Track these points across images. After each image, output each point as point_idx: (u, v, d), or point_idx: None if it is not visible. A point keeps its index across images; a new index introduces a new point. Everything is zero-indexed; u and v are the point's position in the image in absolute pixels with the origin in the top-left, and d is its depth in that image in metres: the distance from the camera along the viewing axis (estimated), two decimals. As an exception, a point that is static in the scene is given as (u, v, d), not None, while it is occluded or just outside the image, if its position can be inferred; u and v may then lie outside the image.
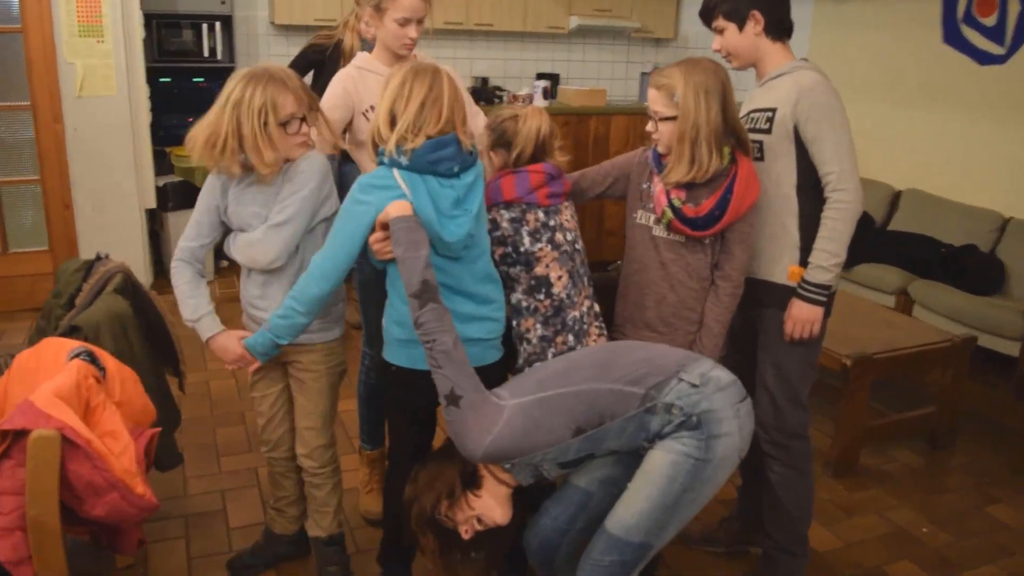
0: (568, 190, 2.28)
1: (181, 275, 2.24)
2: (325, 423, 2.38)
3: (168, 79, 5.71)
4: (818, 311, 2.28)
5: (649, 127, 2.24)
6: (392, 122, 1.96)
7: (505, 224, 2.19)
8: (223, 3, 5.75)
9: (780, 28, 2.32)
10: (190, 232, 2.25)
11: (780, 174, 2.30)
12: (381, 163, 1.99)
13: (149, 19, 5.61)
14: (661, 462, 1.79)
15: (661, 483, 1.78)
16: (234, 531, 2.77)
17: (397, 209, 1.91)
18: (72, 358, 1.96)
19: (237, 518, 2.85)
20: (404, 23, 2.41)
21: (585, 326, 2.22)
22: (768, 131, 2.30)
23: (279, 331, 2.10)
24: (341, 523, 2.52)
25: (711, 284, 2.29)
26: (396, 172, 1.95)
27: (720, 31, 2.35)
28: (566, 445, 1.82)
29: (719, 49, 2.38)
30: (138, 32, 4.68)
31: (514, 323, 2.19)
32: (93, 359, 1.99)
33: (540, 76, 6.68)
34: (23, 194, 4.67)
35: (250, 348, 2.15)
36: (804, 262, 2.29)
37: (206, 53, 5.85)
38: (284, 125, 2.09)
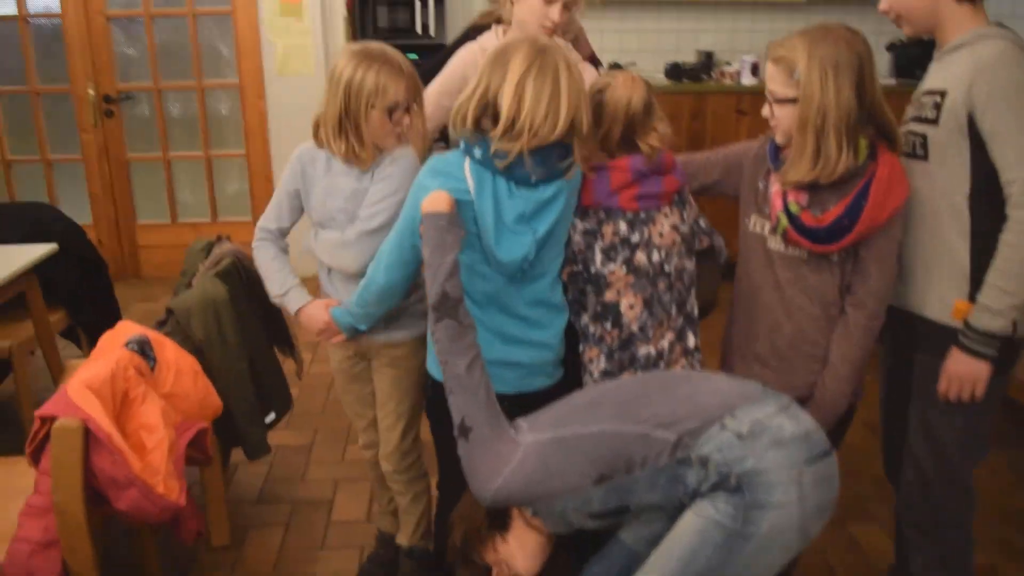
0: (674, 189, 1.88)
1: (265, 252, 2.16)
2: (407, 426, 2.23)
3: (383, 56, 5.83)
4: (982, 368, 1.76)
5: (765, 111, 1.83)
6: (496, 116, 1.68)
7: (577, 237, 1.85)
8: (433, -22, 5.77)
9: None
10: (270, 213, 2.17)
11: (948, 178, 1.80)
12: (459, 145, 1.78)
13: (365, -4, 5.75)
14: (688, 527, 1.44)
15: (682, 554, 1.44)
16: (334, 525, 2.72)
17: (431, 203, 1.67)
18: (125, 346, 1.96)
19: (342, 511, 2.80)
20: (551, 0, 2.16)
21: (663, 364, 1.86)
22: (935, 121, 1.80)
23: (357, 317, 1.99)
24: (427, 536, 2.37)
25: (840, 312, 1.84)
26: (467, 162, 1.72)
27: None
28: (587, 494, 1.52)
29: (886, 10, 1.87)
30: (339, 12, 4.77)
31: (580, 347, 1.88)
32: (143, 349, 1.97)
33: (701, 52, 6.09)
34: (231, 167, 4.96)
35: (336, 319, 2.03)
36: (975, 296, 1.78)
37: (419, 30, 5.92)
38: (390, 113, 1.95)
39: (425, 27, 5.93)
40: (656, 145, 1.80)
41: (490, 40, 2.37)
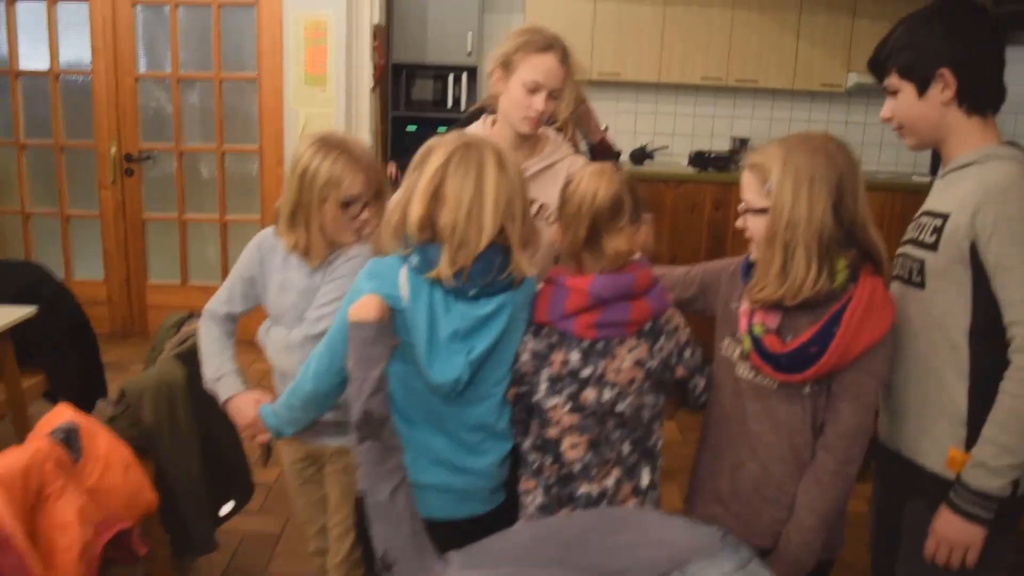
0: (645, 317, 1.65)
1: (207, 334, 2.04)
2: (358, 537, 2.07)
3: (415, 127, 5.84)
4: (975, 532, 1.55)
5: (739, 222, 1.69)
6: (424, 223, 1.54)
7: (526, 357, 1.66)
8: (469, 55, 5.78)
9: (981, 97, 1.64)
10: (221, 295, 2.06)
11: (946, 310, 1.61)
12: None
13: (399, 69, 5.80)
14: None
15: None
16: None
17: (358, 310, 1.52)
18: (49, 435, 1.84)
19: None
20: (534, 89, 2.05)
21: (607, 504, 1.67)
22: (934, 247, 1.62)
23: (282, 420, 1.82)
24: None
25: (812, 455, 1.65)
26: (404, 268, 1.58)
27: (893, 92, 1.69)
28: None
29: (888, 118, 1.72)
30: (365, 83, 4.77)
31: (520, 473, 1.71)
32: (69, 439, 1.85)
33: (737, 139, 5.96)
34: (246, 231, 4.93)
35: (262, 417, 1.87)
36: (973, 445, 1.57)
37: (450, 103, 5.92)
38: (345, 206, 1.85)
39: (457, 100, 5.94)
40: (623, 249, 1.62)
41: (475, 130, 2.26)
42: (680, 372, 1.73)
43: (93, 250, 4.78)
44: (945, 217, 1.61)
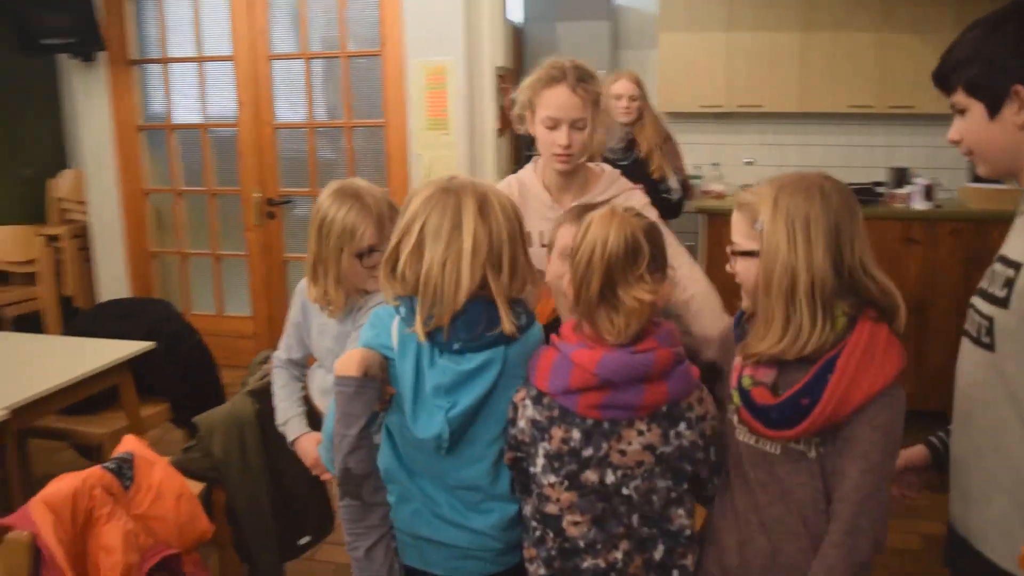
0: (661, 401, 1.47)
1: (277, 379, 2.20)
2: None
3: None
4: None
5: (728, 267, 1.59)
6: (402, 274, 1.51)
7: (523, 424, 1.52)
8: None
9: None
10: (282, 342, 2.18)
11: (1019, 379, 1.38)
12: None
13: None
14: None
15: None
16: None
17: (342, 365, 1.52)
18: (102, 465, 2.00)
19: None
20: (552, 126, 2.04)
21: None
22: (1004, 302, 1.39)
23: (327, 462, 1.88)
24: None
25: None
26: (397, 319, 1.56)
27: (961, 111, 1.46)
28: None
29: (956, 140, 1.48)
30: (488, 125, 4.87)
31: (523, 538, 1.62)
32: (120, 468, 2.00)
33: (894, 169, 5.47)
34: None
35: (322, 457, 1.93)
36: None
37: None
38: (360, 256, 1.90)
39: (593, 139, 5.94)
40: (646, 300, 1.45)
41: (527, 173, 2.26)
42: (700, 470, 1.58)
43: (241, 287, 5.14)
44: (1018, 267, 1.38)
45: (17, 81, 5.33)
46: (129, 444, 2.12)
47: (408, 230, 1.50)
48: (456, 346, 1.49)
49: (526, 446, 1.54)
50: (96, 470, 1.95)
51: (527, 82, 2.05)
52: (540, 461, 1.52)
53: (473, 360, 1.50)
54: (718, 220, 4.73)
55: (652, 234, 1.51)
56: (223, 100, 4.88)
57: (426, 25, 4.51)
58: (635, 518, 1.54)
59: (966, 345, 1.49)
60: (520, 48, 5.79)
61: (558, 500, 1.52)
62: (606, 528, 1.53)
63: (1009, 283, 1.38)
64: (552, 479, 1.51)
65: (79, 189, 5.26)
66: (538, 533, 1.57)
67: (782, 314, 1.44)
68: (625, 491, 1.51)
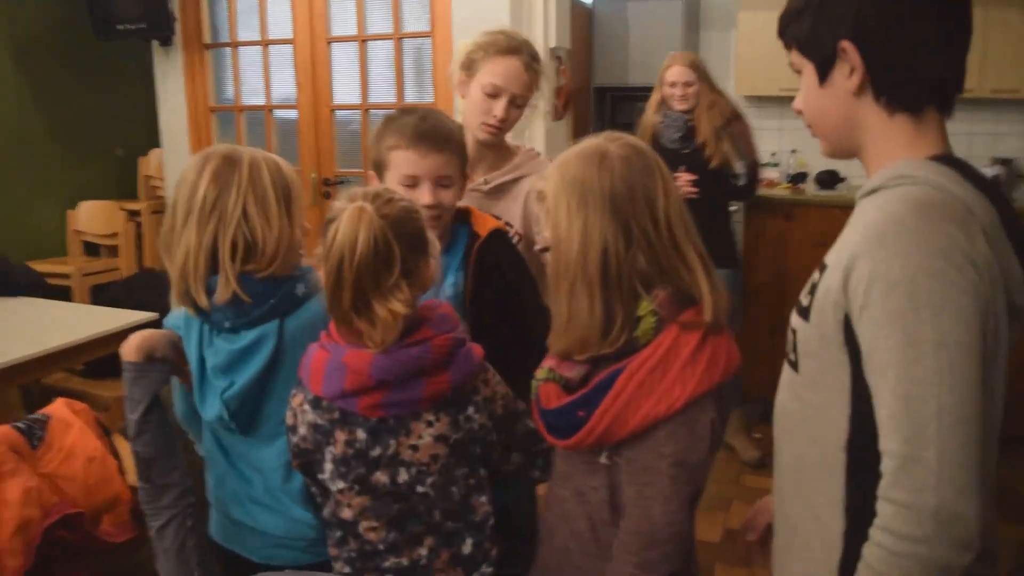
0: (444, 390, 1.40)
1: None
2: None
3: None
4: None
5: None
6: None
7: (304, 430, 1.47)
8: (672, 74, 5.59)
9: (909, 86, 1.11)
10: None
11: (820, 411, 1.17)
12: None
13: (602, 92, 5.78)
14: None
15: None
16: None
17: (125, 348, 1.56)
18: (13, 424, 2.14)
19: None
20: (493, 94, 1.98)
21: (423, 573, 1.51)
22: (805, 313, 1.19)
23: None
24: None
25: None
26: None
27: (797, 71, 1.25)
28: None
29: (799, 110, 1.26)
30: (540, 107, 4.80)
31: (326, 534, 1.60)
32: (31, 429, 2.13)
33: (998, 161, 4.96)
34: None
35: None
36: None
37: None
38: None
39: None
40: (401, 312, 1.36)
41: None
42: (491, 451, 1.53)
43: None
44: (824, 269, 1.17)
45: (112, 65, 5.73)
46: (54, 407, 2.26)
47: (167, 213, 1.55)
48: (227, 324, 1.50)
49: (311, 453, 1.50)
50: (4, 428, 2.09)
51: (477, 43, 2.00)
52: (328, 467, 1.48)
53: (245, 338, 1.51)
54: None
55: (407, 225, 1.40)
56: (285, 83, 5.05)
57: (472, 6, 4.50)
58: (436, 513, 1.51)
59: (785, 366, 1.29)
60: (589, 29, 5.68)
61: (350, 505, 1.49)
62: (405, 528, 1.50)
63: (813, 289, 1.18)
64: (341, 484, 1.47)
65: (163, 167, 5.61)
66: (339, 534, 1.55)
67: (565, 307, 1.35)
68: (420, 488, 1.46)
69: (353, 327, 1.41)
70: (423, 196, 1.71)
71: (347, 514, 1.50)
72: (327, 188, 5.12)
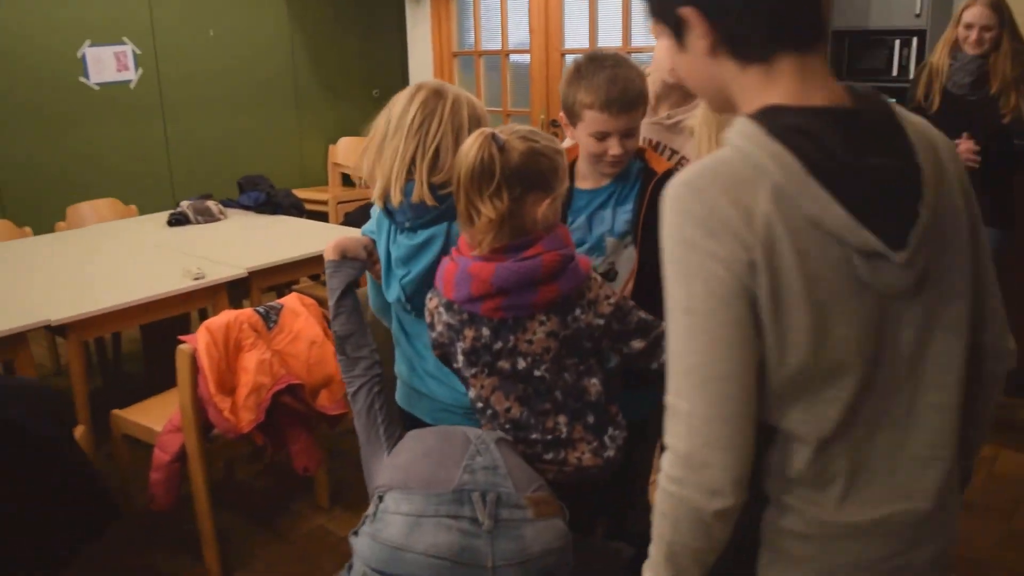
0: (552, 298, 1.60)
1: None
2: None
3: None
4: None
5: None
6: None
7: (440, 328, 1.73)
8: (918, 16, 5.26)
9: (755, 36, 1.06)
10: None
11: None
12: None
13: (840, 36, 5.58)
14: None
15: None
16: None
17: (327, 249, 1.91)
18: (255, 308, 2.61)
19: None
20: (601, 138, 1.95)
21: (564, 445, 1.74)
22: None
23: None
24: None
25: None
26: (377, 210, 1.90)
27: (658, 37, 1.27)
28: None
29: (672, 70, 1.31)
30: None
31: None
32: (267, 313, 2.60)
33: None
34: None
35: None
36: None
37: (896, 70, 5.46)
38: None
39: (904, 67, 5.44)
40: (492, 217, 1.59)
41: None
42: (600, 344, 1.72)
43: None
44: None
45: (371, 13, 6.33)
46: (287, 299, 2.72)
47: (375, 128, 1.83)
48: (407, 224, 1.79)
49: (446, 346, 1.76)
50: (248, 311, 2.57)
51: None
52: (460, 358, 1.74)
53: (421, 236, 1.80)
54: None
55: (527, 160, 1.60)
56: (521, 28, 5.36)
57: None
58: (557, 393, 1.74)
59: None
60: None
61: (483, 386, 1.74)
62: (535, 406, 1.74)
63: None
64: (473, 370, 1.73)
65: (412, 107, 6.16)
66: (489, 412, 1.79)
67: None
68: (537, 373, 1.70)
69: (469, 231, 1.67)
70: (613, 148, 1.89)
71: (483, 393, 1.75)
72: (554, 130, 5.40)
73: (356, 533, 1.58)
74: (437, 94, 1.79)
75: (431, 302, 1.76)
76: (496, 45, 5.51)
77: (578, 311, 1.67)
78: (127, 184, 5.25)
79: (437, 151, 1.75)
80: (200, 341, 2.44)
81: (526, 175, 1.61)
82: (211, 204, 4.14)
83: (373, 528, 1.54)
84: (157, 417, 2.72)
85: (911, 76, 5.33)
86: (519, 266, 1.61)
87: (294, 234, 3.93)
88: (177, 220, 4.02)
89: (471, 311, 1.66)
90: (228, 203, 4.31)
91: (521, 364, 1.68)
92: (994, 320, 1.19)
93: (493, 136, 1.61)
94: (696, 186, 1.02)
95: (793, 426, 1.05)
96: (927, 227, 1.01)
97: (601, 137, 1.88)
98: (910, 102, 3.59)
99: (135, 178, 5.41)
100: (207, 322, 2.50)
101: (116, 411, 2.81)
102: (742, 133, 1.03)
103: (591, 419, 1.75)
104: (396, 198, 1.77)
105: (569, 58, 5.28)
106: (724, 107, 1.16)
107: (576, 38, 5.19)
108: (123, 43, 5.26)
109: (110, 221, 4.29)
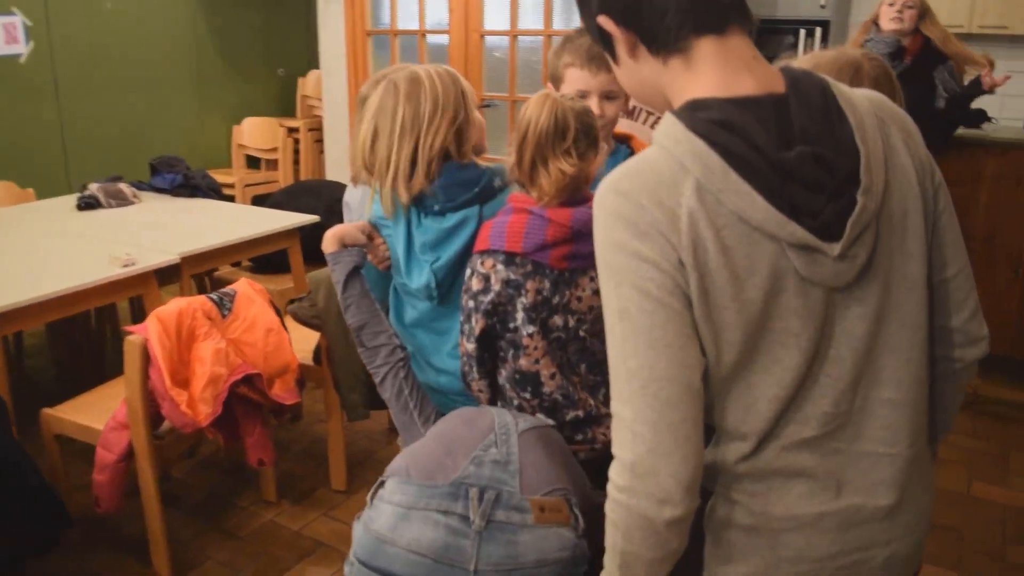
0: None
1: None
2: None
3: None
4: None
5: None
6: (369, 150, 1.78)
7: (497, 286, 1.69)
8: (823, 7, 5.47)
9: (662, 29, 1.02)
10: None
11: None
12: None
13: (748, 24, 5.72)
14: None
15: None
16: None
17: (325, 243, 1.83)
18: (208, 295, 2.47)
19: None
20: (583, 97, 1.99)
21: (591, 426, 1.76)
22: None
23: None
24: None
25: None
26: (371, 195, 1.83)
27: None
28: None
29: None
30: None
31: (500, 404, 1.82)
32: (221, 300, 2.46)
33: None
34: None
35: None
36: None
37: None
38: None
39: (809, 57, 5.66)
40: (568, 171, 1.63)
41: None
42: None
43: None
44: None
45: (278, -11, 6.10)
46: (238, 284, 2.58)
47: (363, 127, 1.78)
48: (436, 207, 1.74)
49: (503, 306, 1.72)
50: (201, 298, 2.43)
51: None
52: (520, 315, 1.71)
53: (451, 219, 1.75)
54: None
55: (585, 117, 1.67)
56: (439, 8, 5.26)
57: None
58: (583, 367, 1.74)
59: None
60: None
61: (536, 349, 1.72)
62: (566, 375, 1.74)
63: None
64: (532, 329, 1.70)
65: (320, 87, 5.96)
66: (516, 401, 1.76)
67: None
68: (580, 333, 1.73)
69: (533, 185, 1.68)
70: (591, 107, 1.89)
71: (528, 363, 1.72)
72: (481, 110, 5.33)
73: (359, 518, 1.50)
74: (414, 82, 1.75)
75: (485, 264, 1.71)
76: (413, 25, 5.39)
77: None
78: (16, 166, 4.87)
79: (443, 136, 1.73)
80: (151, 331, 2.29)
81: (587, 131, 1.67)
82: (123, 187, 3.89)
83: (367, 515, 1.47)
84: (93, 415, 2.54)
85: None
86: (591, 211, 1.63)
87: (221, 217, 3.74)
88: (88, 204, 3.75)
89: (537, 260, 1.67)
90: (140, 185, 4.06)
91: (570, 323, 1.71)
92: (964, 304, 1.14)
93: (556, 98, 1.64)
94: (622, 189, 1.00)
95: (733, 424, 1.04)
96: (866, 215, 0.98)
97: (582, 96, 1.92)
98: None
99: (25, 160, 5.04)
100: (157, 311, 2.34)
101: (47, 410, 2.60)
102: (665, 131, 1.01)
103: (603, 393, 1.77)
104: (403, 195, 1.74)
105: (489, 39, 5.23)
106: (667, 108, 1.10)
107: (497, 20, 5.14)
108: (12, 14, 4.87)
109: (8, 207, 3.97)
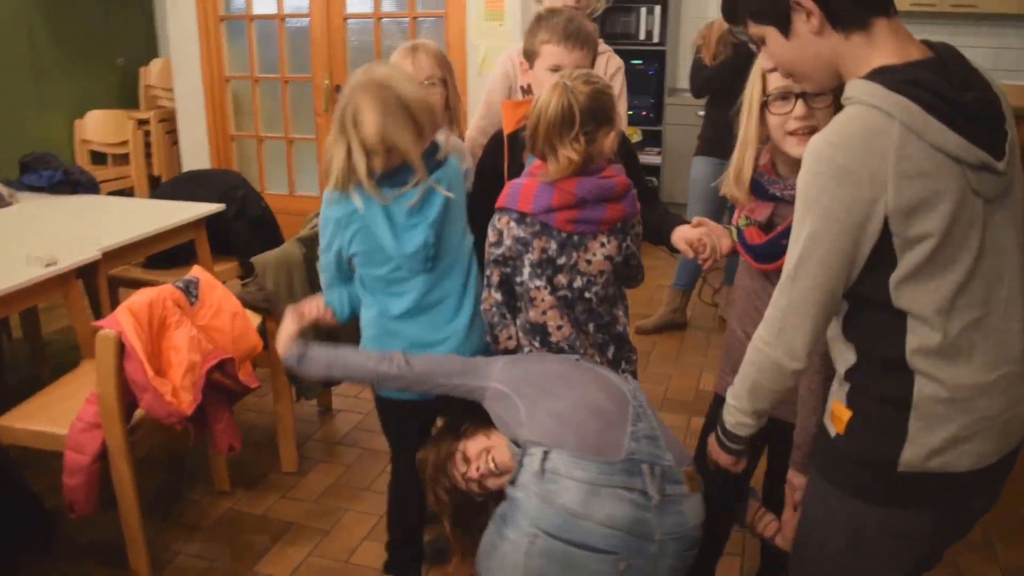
0: (618, 217, 1.86)
1: None
2: None
3: (608, 61, 6.08)
4: (723, 456, 1.64)
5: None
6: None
7: (509, 242, 1.89)
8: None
9: (851, 7, 1.28)
10: None
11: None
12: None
13: (591, 4, 6.02)
14: None
15: None
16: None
17: (282, 338, 2.04)
18: (174, 284, 2.43)
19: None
20: (556, 71, 2.11)
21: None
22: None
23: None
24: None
25: None
26: (353, 191, 1.90)
27: (760, 41, 1.42)
28: None
29: (772, 68, 1.44)
30: (543, 17, 5.08)
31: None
32: (188, 287, 2.43)
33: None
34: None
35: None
36: None
37: (643, 35, 6.07)
38: None
39: (649, 33, 6.07)
40: (574, 159, 1.79)
41: (515, 56, 2.57)
42: (633, 272, 2.00)
43: (312, 169, 5.56)
44: None
45: (112, -27, 5.77)
46: (196, 271, 2.55)
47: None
48: (408, 177, 1.90)
49: (512, 260, 1.92)
50: (168, 287, 2.39)
51: None
52: (526, 270, 1.90)
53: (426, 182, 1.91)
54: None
55: (595, 102, 1.81)
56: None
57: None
58: (591, 326, 1.91)
59: None
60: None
61: (543, 301, 1.90)
62: (585, 328, 1.94)
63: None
64: (538, 283, 1.89)
65: (167, 77, 5.72)
66: (527, 349, 1.95)
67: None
68: (587, 295, 1.91)
69: (546, 163, 1.85)
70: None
71: (536, 315, 1.91)
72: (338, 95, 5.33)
73: (514, 483, 1.60)
74: (379, 85, 1.88)
75: (500, 220, 1.89)
76: (271, 9, 5.30)
77: (629, 239, 1.90)
78: None
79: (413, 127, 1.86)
80: (125, 324, 2.24)
81: (595, 113, 1.80)
82: (-2, 186, 3.64)
83: (543, 488, 1.57)
84: (48, 419, 2.44)
85: (656, 40, 5.98)
86: (599, 181, 1.83)
87: (117, 213, 3.58)
88: (-40, 207, 3.49)
89: (544, 222, 1.84)
90: (11, 184, 3.81)
91: (577, 283, 1.88)
92: None
93: (566, 86, 1.78)
94: (835, 141, 1.26)
95: (926, 313, 1.30)
96: (1014, 140, 1.31)
97: (555, 70, 2.06)
98: (700, 63, 4.06)
99: None
100: (127, 303, 2.29)
101: (-5, 419, 2.46)
102: (865, 91, 1.26)
103: (611, 351, 1.95)
104: (368, 184, 1.87)
105: (352, 23, 5.24)
106: (830, 82, 1.39)
107: (359, 3, 5.15)
108: None
109: None
